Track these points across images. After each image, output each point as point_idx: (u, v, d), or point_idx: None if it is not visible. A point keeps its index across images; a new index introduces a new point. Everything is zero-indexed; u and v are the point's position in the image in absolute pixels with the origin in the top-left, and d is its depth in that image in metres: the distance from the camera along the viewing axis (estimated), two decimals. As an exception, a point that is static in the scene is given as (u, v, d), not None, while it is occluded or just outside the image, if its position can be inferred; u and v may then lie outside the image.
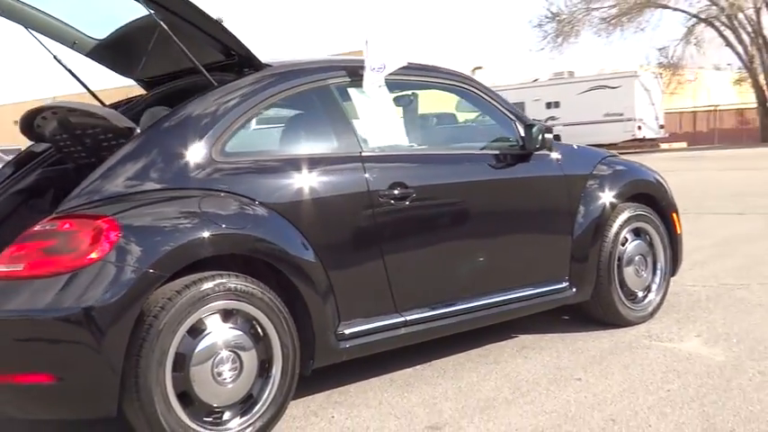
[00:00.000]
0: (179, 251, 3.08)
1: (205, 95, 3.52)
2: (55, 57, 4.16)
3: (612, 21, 37.59)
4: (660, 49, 39.86)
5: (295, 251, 3.40)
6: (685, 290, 5.62)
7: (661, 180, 5.12)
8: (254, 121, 3.62)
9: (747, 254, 7.10)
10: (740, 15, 36.11)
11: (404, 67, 4.01)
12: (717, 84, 46.38)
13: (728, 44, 37.11)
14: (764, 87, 36.70)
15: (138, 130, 3.45)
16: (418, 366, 4.23)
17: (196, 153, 3.36)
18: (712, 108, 40.32)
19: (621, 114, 30.63)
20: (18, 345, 2.96)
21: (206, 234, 3.17)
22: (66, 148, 4.02)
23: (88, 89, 4.42)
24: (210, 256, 3.17)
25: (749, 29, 36.46)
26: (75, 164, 4.12)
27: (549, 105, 31.29)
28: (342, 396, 3.85)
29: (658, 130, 32.23)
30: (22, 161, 4.22)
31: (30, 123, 3.96)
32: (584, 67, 35.27)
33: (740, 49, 36.79)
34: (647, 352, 4.28)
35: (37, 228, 3.08)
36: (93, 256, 2.95)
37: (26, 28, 4.02)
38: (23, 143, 4.41)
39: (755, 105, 38.09)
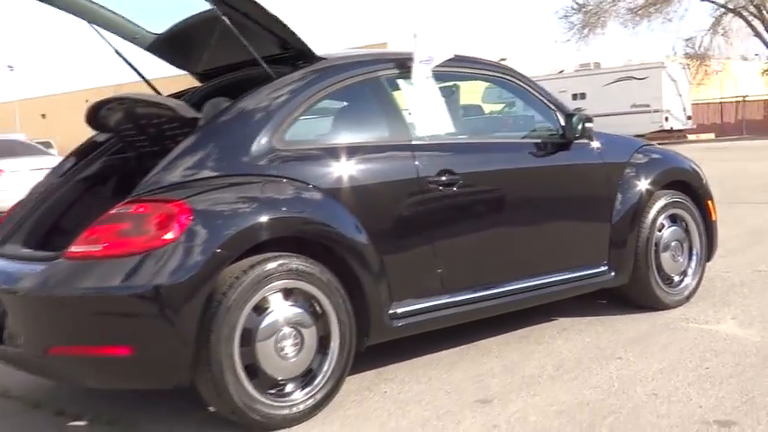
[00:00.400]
0: (245, 233, 3.28)
1: (266, 87, 3.71)
2: (116, 50, 4.37)
3: (639, 11, 37.44)
4: (687, 40, 39.65)
5: (350, 234, 3.59)
6: (720, 276, 5.74)
7: (696, 168, 5.26)
8: (311, 110, 3.79)
9: (779, 242, 7.23)
10: (768, 5, 35.82)
11: (449, 59, 4.18)
12: (744, 74, 46.00)
13: (756, 34, 36.86)
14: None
15: (202, 121, 3.65)
16: (463, 346, 4.40)
17: (258, 141, 3.56)
18: (740, 99, 40.01)
19: (648, 105, 30.55)
20: (98, 319, 3.17)
21: (269, 217, 3.37)
22: (130, 137, 4.23)
23: (147, 81, 4.63)
24: (272, 237, 3.36)
25: (778, 19, 36.16)
26: (136, 152, 4.33)
27: (575, 97, 31.21)
28: (392, 373, 4.04)
29: (686, 121, 32.11)
30: (86, 150, 4.43)
31: (95, 114, 4.18)
32: (611, 59, 35.18)
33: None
34: (684, 333, 4.43)
35: (113, 211, 3.29)
36: (168, 237, 3.16)
37: (89, 23, 4.23)
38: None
39: (784, 96, 37.76)
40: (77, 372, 3.23)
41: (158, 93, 4.52)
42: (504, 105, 5.00)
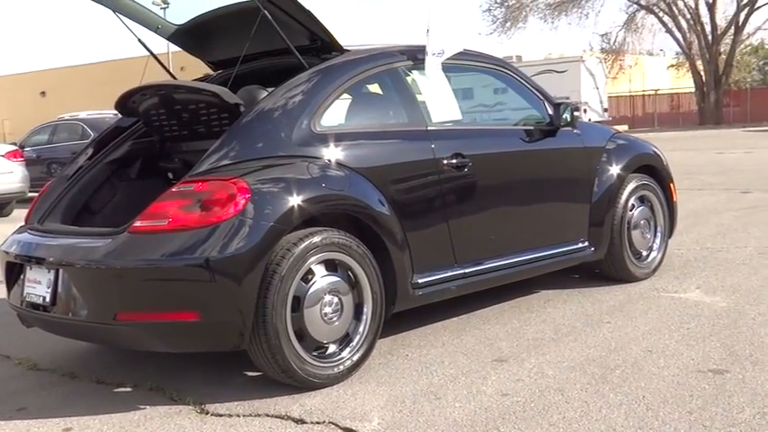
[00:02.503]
0: (297, 208, 3.60)
1: (301, 76, 4.03)
2: (139, 40, 4.61)
3: (557, 6, 38.66)
4: (603, 35, 41.18)
5: (381, 210, 3.94)
6: (674, 253, 6.31)
7: (660, 153, 5.80)
8: (340, 97, 4.13)
9: (718, 223, 7.90)
10: (679, 3, 37.48)
11: (457, 52, 4.57)
12: (652, 69, 47.92)
13: (668, 30, 38.54)
14: (702, 72, 38.21)
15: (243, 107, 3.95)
16: (463, 316, 4.82)
17: (299, 126, 3.88)
18: (652, 92, 41.72)
19: (568, 98, 31.60)
20: (165, 288, 3.45)
21: (317, 194, 3.71)
22: (158, 122, 4.48)
23: (166, 69, 4.87)
24: (320, 213, 3.70)
25: (688, 16, 37.88)
26: (161, 137, 4.58)
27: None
28: (406, 340, 4.41)
29: (603, 113, 33.35)
30: (112, 135, 4.66)
31: (127, 100, 4.41)
32: (532, 53, 36.23)
33: (679, 35, 38.21)
34: (658, 301, 4.95)
35: (175, 189, 3.57)
36: (229, 212, 3.46)
37: (114, 12, 4.45)
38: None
39: (693, 90, 39.60)
40: (144, 336, 3.50)
41: (174, 77, 4.77)
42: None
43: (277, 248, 3.53)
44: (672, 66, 49.03)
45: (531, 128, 4.97)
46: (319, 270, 3.71)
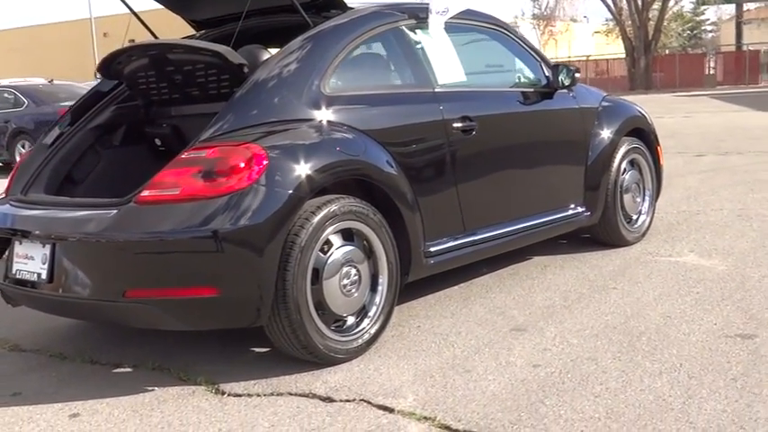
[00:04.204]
0: (317, 175, 3.39)
1: (308, 35, 3.78)
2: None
3: (491, -28, 38.61)
4: (534, 1, 41.40)
5: (395, 175, 3.75)
6: (654, 217, 6.29)
7: (647, 115, 5.73)
8: (348, 57, 3.89)
9: (685, 186, 7.95)
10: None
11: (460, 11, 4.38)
12: (577, 36, 48.49)
13: (599, -4, 38.89)
14: (632, 38, 38.81)
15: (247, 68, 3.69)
16: (463, 284, 4.68)
17: (310, 87, 3.64)
18: (584, 58, 42.21)
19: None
20: (183, 262, 3.20)
21: (335, 159, 3.50)
22: (144, 85, 4.17)
23: (147, 27, 4.52)
24: (337, 180, 3.49)
25: (619, -18, 38.33)
26: (146, 101, 4.28)
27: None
28: (412, 311, 4.25)
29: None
30: (92, 101, 4.33)
31: (111, 62, 4.09)
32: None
33: (609, 1, 38.67)
34: (657, 265, 4.89)
35: (185, 156, 3.31)
36: (246, 179, 3.22)
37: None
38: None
39: (623, 56, 40.22)
40: (156, 314, 3.24)
41: (155, 36, 4.45)
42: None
43: (296, 218, 3.32)
44: (598, 32, 49.70)
45: (532, 90, 4.82)
46: (336, 240, 3.51)
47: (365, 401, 3.13)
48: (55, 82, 16.61)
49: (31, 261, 3.49)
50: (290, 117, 3.56)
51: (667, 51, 46.11)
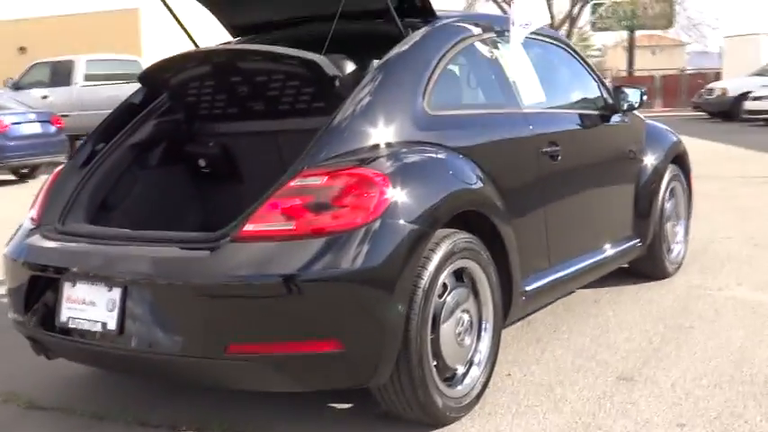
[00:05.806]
0: (442, 205, 2.94)
1: (404, 46, 3.29)
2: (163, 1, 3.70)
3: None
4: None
5: (503, 207, 3.33)
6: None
7: (683, 143, 5.51)
8: (444, 72, 3.44)
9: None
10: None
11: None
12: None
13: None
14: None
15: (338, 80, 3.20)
16: (518, 323, 4.19)
17: (415, 106, 3.16)
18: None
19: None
20: (301, 310, 2.66)
21: (457, 188, 3.08)
22: (193, 96, 3.61)
23: (188, 34, 3.92)
24: (458, 212, 3.04)
25: (528, 5, 38.96)
26: (188, 115, 3.72)
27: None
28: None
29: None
30: (127, 114, 3.71)
31: (158, 71, 3.53)
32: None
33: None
34: (714, 300, 4.61)
35: (294, 183, 2.77)
36: (373, 211, 2.73)
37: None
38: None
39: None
40: (264, 373, 2.68)
41: (196, 44, 3.89)
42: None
43: (422, 255, 2.84)
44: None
45: (597, 112, 4.48)
46: (450, 281, 3.05)
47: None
48: None
49: (90, 307, 2.87)
50: (401, 139, 3.06)
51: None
